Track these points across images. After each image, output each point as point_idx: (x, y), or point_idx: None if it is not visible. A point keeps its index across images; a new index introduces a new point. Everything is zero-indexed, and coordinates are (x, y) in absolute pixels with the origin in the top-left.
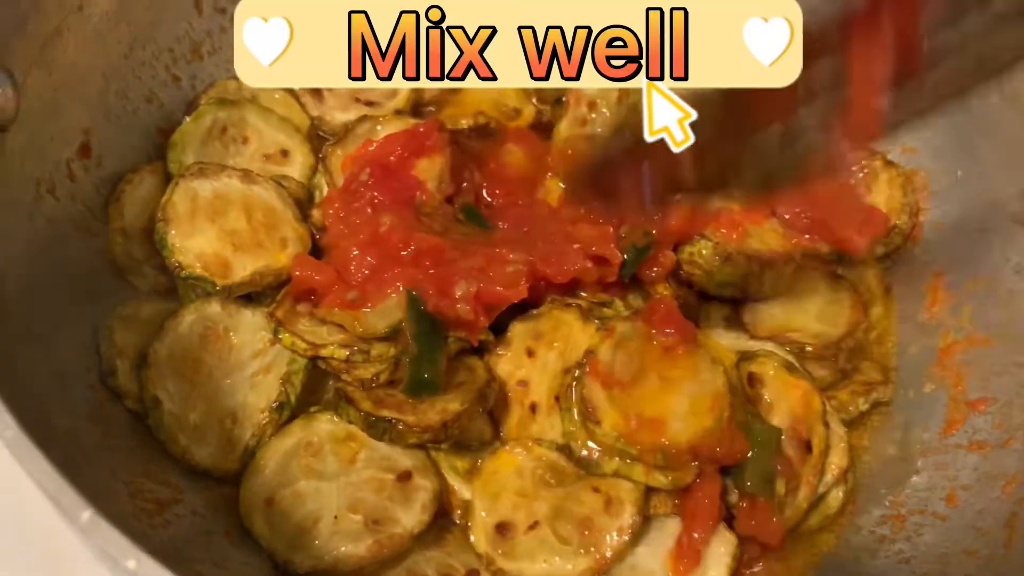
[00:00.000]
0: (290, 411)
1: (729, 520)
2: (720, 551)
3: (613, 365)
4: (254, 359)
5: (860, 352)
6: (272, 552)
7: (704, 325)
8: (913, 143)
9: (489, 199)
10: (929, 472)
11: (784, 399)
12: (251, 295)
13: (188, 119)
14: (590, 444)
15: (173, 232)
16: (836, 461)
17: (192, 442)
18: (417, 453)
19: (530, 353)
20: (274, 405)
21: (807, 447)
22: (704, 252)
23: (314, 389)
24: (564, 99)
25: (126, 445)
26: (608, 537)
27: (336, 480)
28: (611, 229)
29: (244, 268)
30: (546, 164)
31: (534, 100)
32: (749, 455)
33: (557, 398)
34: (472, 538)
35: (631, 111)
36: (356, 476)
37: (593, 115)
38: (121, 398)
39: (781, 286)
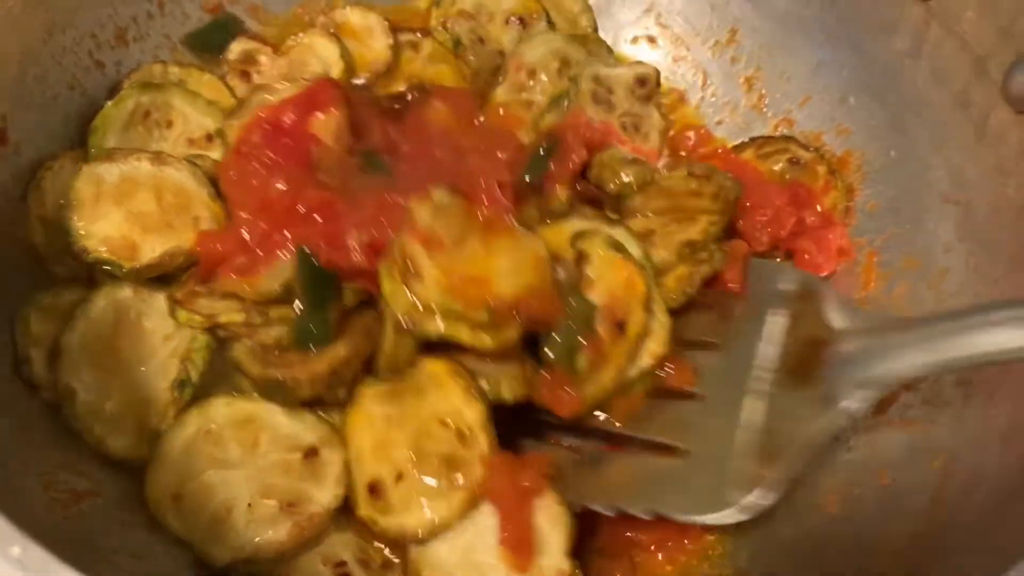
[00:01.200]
0: (192, 390)
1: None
2: (553, 536)
3: (433, 228)
4: (165, 343)
5: None
6: (191, 544)
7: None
8: (847, 123)
9: (406, 153)
10: (861, 450)
11: (606, 278)
12: (166, 278)
13: (109, 103)
14: (415, 307)
15: (76, 218)
16: (654, 348)
17: (108, 432)
18: (320, 425)
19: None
20: (175, 383)
21: (620, 328)
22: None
23: (228, 375)
24: (504, 66)
25: (41, 438)
26: (473, 468)
27: (243, 467)
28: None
29: (152, 250)
30: (474, 125)
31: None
32: (560, 327)
33: None
34: (354, 502)
35: (572, 82)
36: (262, 461)
37: (532, 83)
38: (37, 389)
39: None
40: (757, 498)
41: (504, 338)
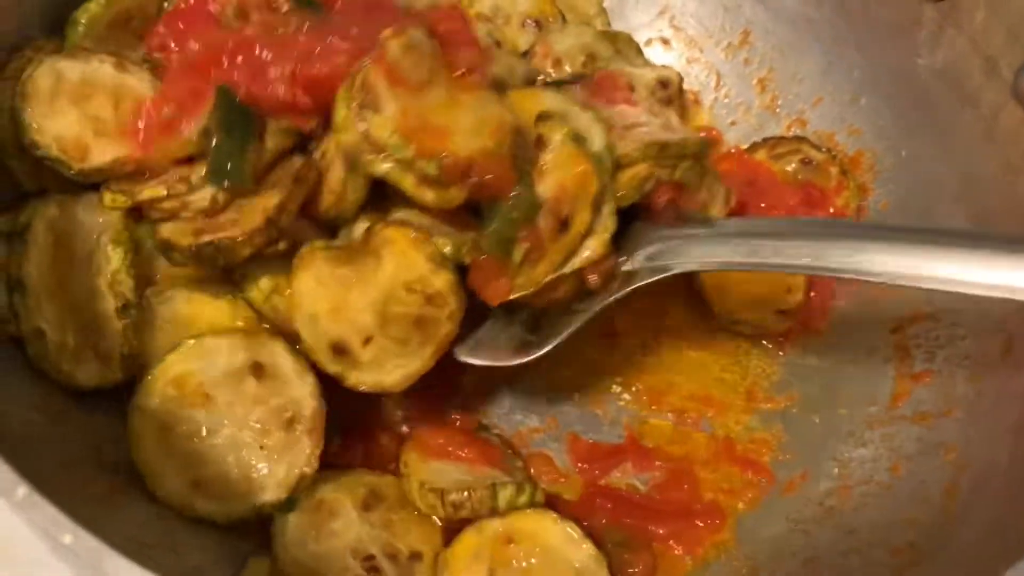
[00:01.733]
0: (135, 308)
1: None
2: None
3: (401, 63)
4: (91, 260)
5: None
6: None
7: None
8: (858, 124)
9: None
10: (876, 444)
11: (560, 170)
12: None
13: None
14: (364, 141)
15: (30, 110)
16: (593, 247)
17: (74, 366)
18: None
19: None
20: (119, 309)
21: (563, 225)
22: None
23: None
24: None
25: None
26: (441, 325)
27: (224, 426)
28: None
29: (103, 154)
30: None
31: None
32: (497, 213)
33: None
34: (318, 362)
35: None
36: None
37: (554, 72)
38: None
39: None
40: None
41: (447, 198)
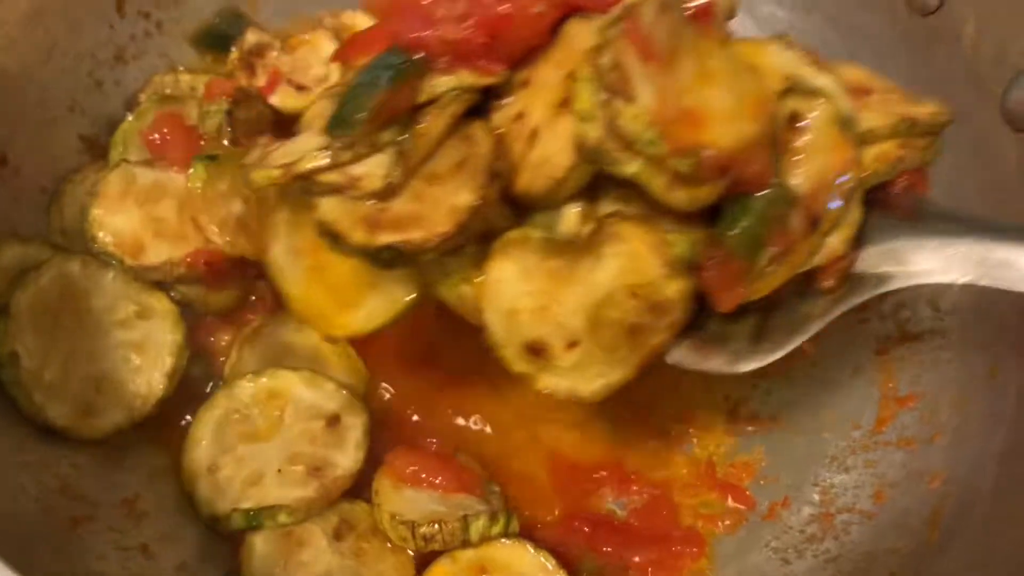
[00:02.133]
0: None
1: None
2: None
3: (654, 32)
4: (119, 329)
5: None
6: (212, 512)
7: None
8: None
9: None
10: (859, 470)
11: (820, 156)
12: (163, 284)
13: (130, 117)
14: (610, 134)
15: (96, 206)
16: (835, 243)
17: (47, 400)
18: (338, 394)
19: (524, 83)
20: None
21: (814, 223)
22: None
23: None
24: None
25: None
26: (657, 334)
27: (271, 440)
28: None
29: (157, 255)
30: None
31: None
32: (748, 210)
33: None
34: (504, 358)
35: None
36: (288, 433)
37: None
38: None
39: None
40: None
41: (699, 198)
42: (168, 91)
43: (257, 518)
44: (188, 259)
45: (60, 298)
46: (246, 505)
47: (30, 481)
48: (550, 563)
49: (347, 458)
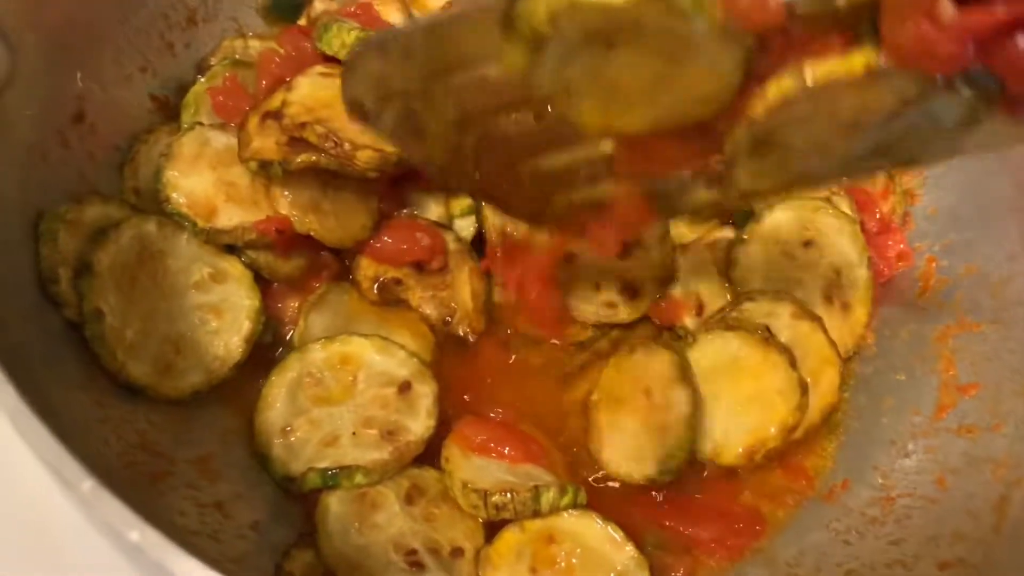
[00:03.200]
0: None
1: None
2: None
3: None
4: (195, 291)
5: None
6: (287, 472)
7: None
8: None
9: None
10: (919, 455)
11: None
12: (234, 248)
13: (201, 79)
14: None
15: (169, 167)
16: None
17: (128, 358)
18: (410, 361)
19: None
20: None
21: None
22: None
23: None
24: None
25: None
26: None
27: (344, 403)
28: None
29: (229, 219)
30: None
31: None
32: None
33: None
34: None
35: None
36: (361, 397)
37: None
38: (60, 307)
39: None
40: None
41: None
42: (238, 56)
43: (334, 478)
44: (260, 226)
45: (138, 258)
46: (323, 464)
47: (112, 435)
48: (618, 535)
49: (419, 424)
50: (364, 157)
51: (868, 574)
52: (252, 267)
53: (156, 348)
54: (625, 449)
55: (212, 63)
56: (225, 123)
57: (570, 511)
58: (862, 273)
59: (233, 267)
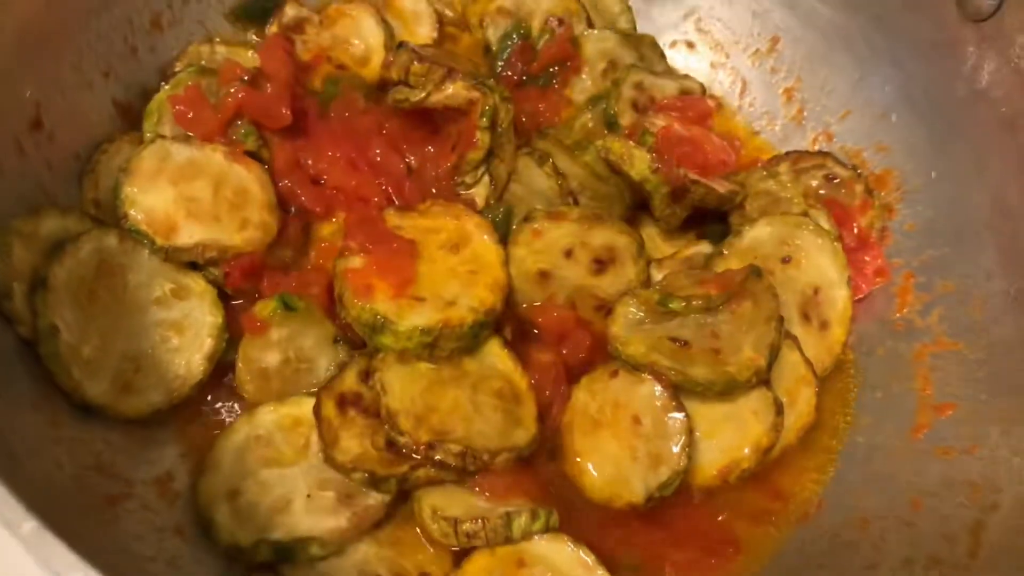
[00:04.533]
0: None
1: None
2: None
3: None
4: (156, 307)
5: None
6: (235, 542)
7: None
8: (887, 141)
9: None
10: (895, 476)
11: None
12: (195, 265)
13: (166, 87)
14: None
15: (128, 183)
16: None
17: (85, 377)
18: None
19: None
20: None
21: None
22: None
23: None
24: None
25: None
26: None
27: (297, 465)
28: None
29: (190, 236)
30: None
31: None
32: None
33: None
34: None
35: (614, 85)
36: (315, 459)
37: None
38: (12, 323)
39: None
40: None
41: None
42: (204, 62)
43: (288, 552)
44: (226, 270)
45: (97, 272)
46: (275, 536)
47: (66, 456)
48: (589, 558)
49: None
50: (501, 461)
51: None
52: (215, 283)
53: (115, 366)
54: (606, 474)
55: (177, 69)
56: (189, 135)
57: (540, 535)
58: (841, 293)
59: (196, 283)
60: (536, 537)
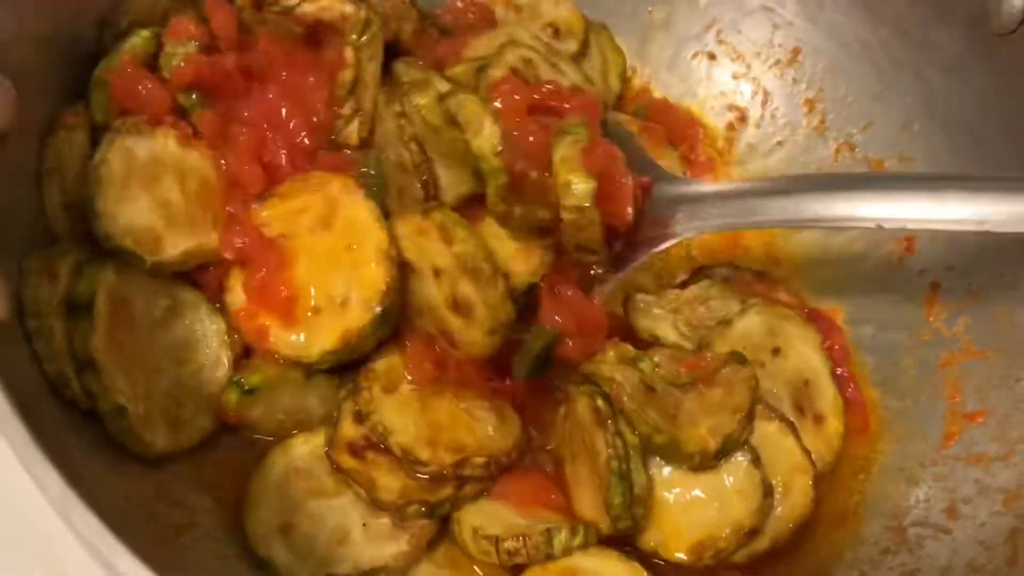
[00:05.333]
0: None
1: None
2: None
3: None
4: (162, 332)
5: None
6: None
7: None
8: (909, 151)
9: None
10: (929, 484)
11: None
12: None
13: (114, 52)
14: None
15: (103, 198)
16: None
17: (149, 434)
18: None
19: None
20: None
21: None
22: None
23: None
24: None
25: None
26: None
27: (343, 495)
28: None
29: (175, 246)
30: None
31: None
32: None
33: None
34: None
35: None
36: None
37: None
38: (72, 404)
39: None
40: None
41: None
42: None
43: None
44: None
45: (112, 320)
46: (341, 571)
47: (133, 490)
48: (643, 574)
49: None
50: (516, 458)
51: None
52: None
53: (160, 409)
54: (588, 501)
55: (122, 26)
56: (138, 121)
57: (593, 549)
58: (828, 386)
59: (186, 294)
60: (579, 553)
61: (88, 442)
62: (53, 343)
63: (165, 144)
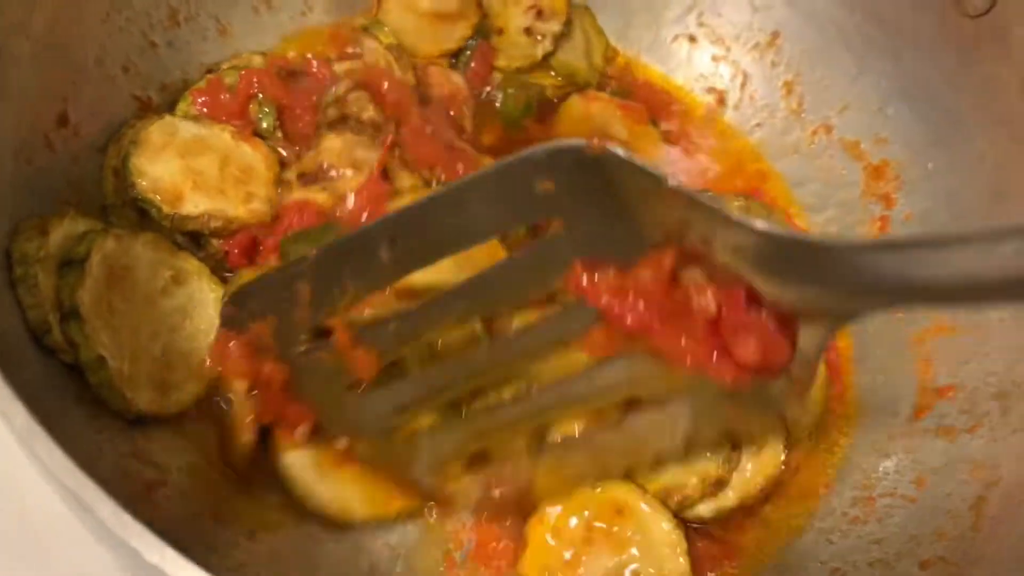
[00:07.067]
0: None
1: None
2: None
3: None
4: (163, 298)
5: None
6: None
7: None
8: (885, 133)
9: None
10: (899, 456)
11: None
12: (198, 237)
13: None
14: None
15: (136, 154)
16: None
17: (132, 392)
18: None
19: None
20: None
21: None
22: None
23: None
24: None
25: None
26: None
27: None
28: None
29: (196, 205)
30: None
31: None
32: None
33: None
34: None
35: None
36: None
37: None
38: (56, 353)
39: None
40: None
41: None
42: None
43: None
44: (225, 248)
45: (108, 283)
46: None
47: (107, 445)
48: (681, 544)
49: None
50: None
51: (852, 572)
52: (216, 256)
53: (148, 370)
54: None
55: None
56: (198, 114)
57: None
58: None
59: (189, 264)
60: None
61: (68, 394)
62: (37, 292)
63: (218, 134)
